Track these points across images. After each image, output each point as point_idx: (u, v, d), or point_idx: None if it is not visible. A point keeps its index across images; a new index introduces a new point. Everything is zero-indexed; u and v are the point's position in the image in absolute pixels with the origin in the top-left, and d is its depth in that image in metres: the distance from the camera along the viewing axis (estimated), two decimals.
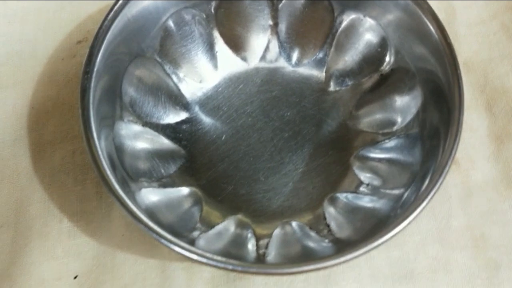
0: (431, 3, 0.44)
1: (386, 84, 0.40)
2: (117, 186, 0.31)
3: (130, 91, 0.37)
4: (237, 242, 0.36)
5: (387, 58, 0.40)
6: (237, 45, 0.42)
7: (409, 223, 0.30)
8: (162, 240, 0.30)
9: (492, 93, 0.42)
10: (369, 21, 0.39)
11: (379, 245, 0.29)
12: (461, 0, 0.45)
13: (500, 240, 0.37)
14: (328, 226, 0.37)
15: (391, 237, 0.29)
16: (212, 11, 0.40)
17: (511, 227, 0.37)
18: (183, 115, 0.40)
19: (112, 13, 0.34)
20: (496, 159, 0.39)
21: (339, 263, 0.29)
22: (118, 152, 0.35)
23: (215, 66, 0.42)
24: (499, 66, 0.43)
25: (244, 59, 0.43)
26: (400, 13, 0.37)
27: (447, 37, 0.34)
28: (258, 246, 0.37)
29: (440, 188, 0.30)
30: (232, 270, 0.28)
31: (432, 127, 0.35)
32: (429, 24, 0.34)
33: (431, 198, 0.30)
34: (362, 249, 0.29)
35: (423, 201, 0.30)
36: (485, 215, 0.37)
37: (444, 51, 0.34)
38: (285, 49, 0.43)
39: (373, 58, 0.40)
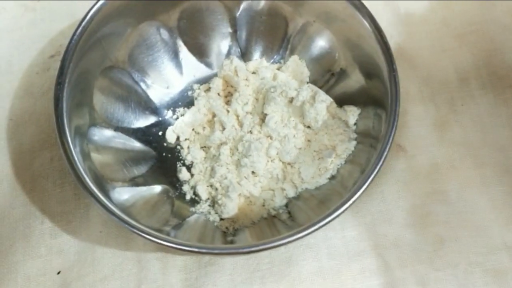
0: (378, 3, 0.49)
1: (337, 83, 0.43)
2: (93, 187, 0.34)
3: (101, 99, 0.40)
4: (207, 232, 0.40)
5: (337, 59, 0.43)
6: (200, 52, 0.46)
7: (348, 207, 0.33)
8: (136, 231, 0.33)
9: (435, 85, 0.46)
10: (318, 26, 0.43)
11: (326, 224, 0.33)
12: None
13: (444, 217, 0.40)
14: (289, 213, 0.41)
15: (334, 218, 0.33)
16: (175, 22, 0.44)
17: (453, 205, 0.41)
18: (152, 119, 0.44)
19: (80, 28, 0.37)
20: (439, 145, 0.43)
21: (291, 241, 0.32)
22: (93, 156, 0.38)
23: (181, 72, 0.45)
24: (441, 60, 0.47)
25: (207, 64, 0.46)
26: (343, 17, 0.40)
27: (384, 37, 0.37)
28: (226, 234, 0.40)
29: (378, 175, 0.34)
30: (198, 253, 0.32)
31: (375, 126, 0.39)
32: (368, 25, 0.38)
33: (368, 185, 0.33)
34: (307, 230, 0.32)
35: (360, 187, 0.33)
36: (430, 195, 0.41)
37: (382, 51, 0.37)
38: (245, 54, 0.46)
39: (324, 59, 0.44)
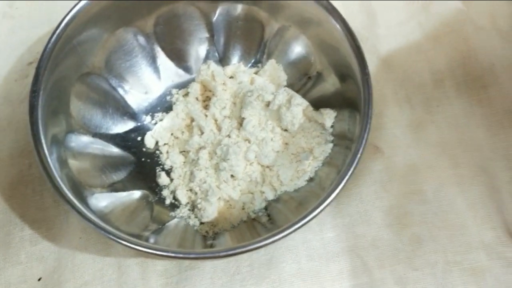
0: (354, 7, 0.49)
1: (313, 86, 0.44)
2: (69, 194, 0.35)
3: (78, 105, 0.40)
4: (187, 236, 0.40)
5: (313, 63, 0.44)
6: (178, 57, 0.46)
7: (325, 207, 0.33)
8: (113, 237, 0.33)
9: (410, 87, 0.46)
10: (294, 30, 0.43)
11: (302, 225, 0.33)
12: (381, 0, 0.50)
13: (421, 217, 0.41)
14: (269, 215, 0.41)
15: (311, 219, 0.33)
16: (151, 28, 0.44)
17: (430, 205, 0.41)
18: (131, 125, 0.44)
19: (55, 36, 0.37)
20: (416, 146, 0.44)
21: (265, 245, 0.33)
22: (70, 162, 0.38)
23: (159, 77, 0.46)
24: (417, 62, 0.47)
25: (186, 69, 0.46)
26: (318, 21, 0.41)
27: (356, 40, 0.38)
28: (206, 238, 0.40)
29: (356, 176, 0.34)
30: (174, 258, 0.32)
31: (350, 128, 0.39)
32: (340, 29, 0.38)
33: (343, 185, 0.34)
34: (282, 233, 0.32)
35: (336, 188, 0.34)
36: (407, 195, 0.42)
37: (355, 54, 0.38)
38: (224, 59, 0.46)
39: (301, 63, 0.44)
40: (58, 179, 0.35)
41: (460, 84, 0.46)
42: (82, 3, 0.39)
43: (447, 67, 0.47)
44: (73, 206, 0.34)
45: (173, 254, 0.32)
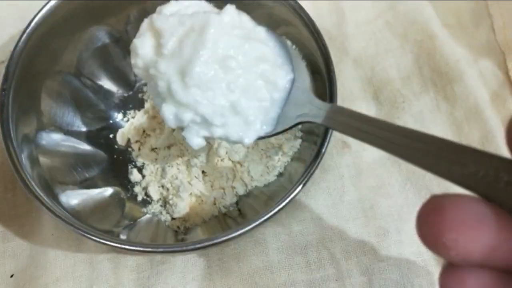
0: (323, 6, 0.50)
1: None
2: (39, 191, 0.35)
3: (49, 103, 0.41)
4: (159, 232, 0.41)
5: None
6: None
7: (290, 200, 0.34)
8: (81, 232, 0.33)
9: (378, 84, 0.47)
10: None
11: (268, 218, 0.34)
12: (349, 1, 0.51)
13: (387, 210, 0.42)
14: (240, 210, 0.42)
15: (276, 213, 0.34)
16: (123, 26, 0.44)
17: (396, 198, 0.43)
18: (103, 122, 0.44)
19: (25, 35, 0.38)
20: None
21: (235, 237, 0.33)
22: (41, 160, 0.38)
23: (131, 75, 0.46)
24: (384, 60, 0.48)
25: None
26: (286, 21, 0.42)
27: (322, 39, 0.39)
28: (177, 233, 0.41)
29: (324, 171, 0.35)
30: (144, 252, 0.33)
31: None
32: (307, 28, 0.39)
33: (308, 179, 0.35)
34: (250, 225, 0.33)
35: (301, 182, 0.35)
36: (374, 189, 0.43)
37: (321, 53, 0.38)
38: None
39: None
40: (29, 177, 0.35)
41: (427, 81, 0.47)
42: (52, 3, 0.39)
43: (414, 64, 0.48)
44: (44, 203, 0.35)
45: (141, 248, 0.33)
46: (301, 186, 0.35)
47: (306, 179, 0.35)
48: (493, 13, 0.50)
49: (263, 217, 0.34)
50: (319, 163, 0.35)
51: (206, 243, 0.33)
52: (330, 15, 0.50)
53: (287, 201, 0.35)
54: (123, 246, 0.32)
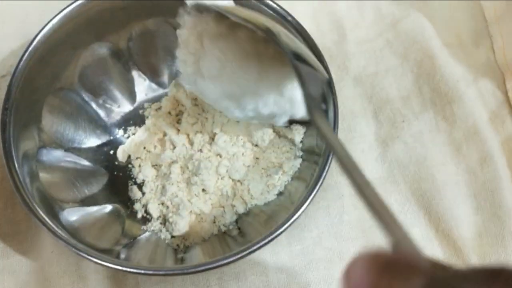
0: (324, 25, 0.50)
1: None
2: (39, 210, 0.35)
3: (50, 120, 0.41)
4: (159, 250, 0.41)
5: None
6: (152, 72, 0.47)
7: (293, 221, 0.35)
8: (82, 253, 0.33)
9: (378, 103, 0.48)
10: None
11: (270, 241, 0.34)
12: (351, 19, 0.51)
13: None
14: (239, 228, 0.42)
15: (280, 234, 0.34)
16: (125, 43, 0.45)
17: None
18: (103, 138, 0.44)
19: (27, 53, 0.38)
20: (382, 160, 0.45)
21: (236, 260, 0.34)
22: (42, 177, 0.39)
23: (132, 91, 0.46)
24: (384, 78, 0.49)
25: (160, 84, 0.47)
26: None
27: (324, 61, 0.39)
28: (176, 252, 0.41)
29: (323, 190, 0.35)
30: (144, 274, 0.33)
31: (318, 143, 0.40)
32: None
33: (311, 200, 0.35)
34: (250, 248, 0.33)
35: (304, 203, 0.35)
36: None
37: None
38: None
39: None
40: (29, 194, 0.35)
41: (426, 100, 0.47)
42: (55, 19, 0.40)
43: (414, 83, 0.48)
44: (43, 222, 0.35)
45: (142, 271, 0.33)
46: (303, 208, 0.35)
47: (308, 200, 0.35)
48: (493, 33, 0.50)
49: (264, 240, 0.34)
50: (321, 183, 0.36)
51: (207, 266, 0.33)
52: (331, 34, 0.50)
53: (289, 223, 0.35)
54: (124, 269, 0.32)
